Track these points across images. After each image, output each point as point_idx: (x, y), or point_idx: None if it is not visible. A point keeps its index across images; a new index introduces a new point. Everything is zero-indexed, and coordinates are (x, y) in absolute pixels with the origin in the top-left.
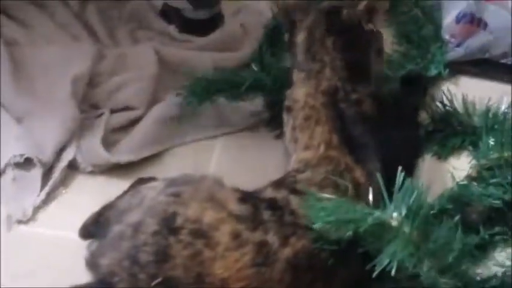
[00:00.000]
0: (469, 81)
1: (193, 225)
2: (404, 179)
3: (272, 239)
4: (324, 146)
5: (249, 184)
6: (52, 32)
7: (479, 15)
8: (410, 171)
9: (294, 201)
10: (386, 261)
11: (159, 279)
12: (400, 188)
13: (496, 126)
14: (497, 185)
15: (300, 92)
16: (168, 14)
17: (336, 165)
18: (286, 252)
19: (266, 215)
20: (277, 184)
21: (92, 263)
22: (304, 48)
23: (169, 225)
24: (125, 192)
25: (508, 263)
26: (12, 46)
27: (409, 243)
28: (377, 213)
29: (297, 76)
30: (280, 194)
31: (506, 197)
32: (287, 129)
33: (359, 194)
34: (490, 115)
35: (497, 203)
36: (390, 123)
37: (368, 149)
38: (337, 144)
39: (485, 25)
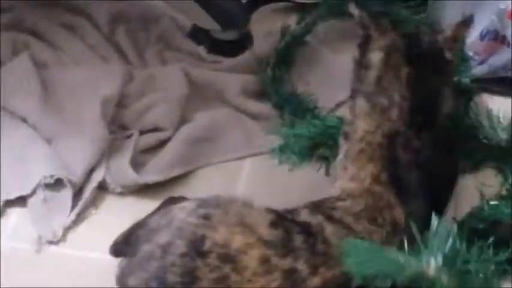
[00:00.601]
0: (491, 98)
1: (221, 250)
2: (439, 223)
3: (302, 266)
4: (370, 180)
5: (278, 205)
6: (81, 53)
7: (503, 33)
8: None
9: (329, 229)
10: None
11: None
12: (435, 233)
13: None
14: None
15: (360, 125)
16: (197, 34)
17: (378, 200)
18: (315, 281)
19: (298, 241)
20: (314, 207)
21: (121, 282)
22: (376, 76)
23: (197, 248)
24: (156, 211)
25: None
26: (42, 67)
27: None
28: (413, 262)
29: (361, 104)
30: (316, 220)
31: None
32: (340, 154)
33: (395, 233)
34: None
35: None
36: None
37: (416, 194)
38: (385, 182)
39: (509, 43)
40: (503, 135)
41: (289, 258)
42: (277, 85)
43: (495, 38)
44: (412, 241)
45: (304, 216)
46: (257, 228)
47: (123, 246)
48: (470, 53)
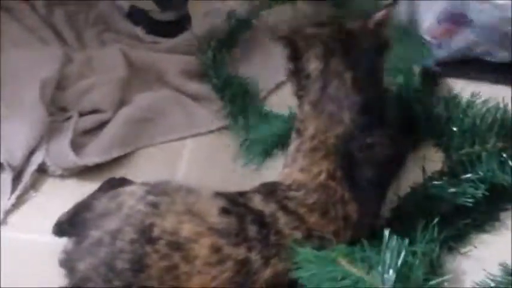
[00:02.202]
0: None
1: (170, 237)
2: (390, 237)
3: (255, 257)
4: (325, 175)
5: (220, 184)
6: (20, 35)
7: (464, 13)
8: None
9: (282, 219)
10: None
11: None
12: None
13: (461, 116)
14: (468, 181)
15: (311, 124)
16: (135, 15)
17: (332, 195)
18: (267, 273)
19: (251, 231)
20: (267, 194)
21: (68, 267)
22: (320, 87)
23: (146, 235)
24: (99, 191)
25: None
26: None
27: None
28: (367, 278)
29: (307, 110)
30: (269, 208)
31: (478, 194)
32: (292, 146)
33: (346, 227)
34: (452, 104)
35: (470, 201)
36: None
37: (370, 192)
38: (339, 178)
39: (469, 23)
40: (441, 111)
41: (243, 248)
42: (218, 67)
43: (453, 20)
44: (363, 236)
45: (258, 203)
46: (206, 216)
47: (67, 227)
48: (428, 38)
